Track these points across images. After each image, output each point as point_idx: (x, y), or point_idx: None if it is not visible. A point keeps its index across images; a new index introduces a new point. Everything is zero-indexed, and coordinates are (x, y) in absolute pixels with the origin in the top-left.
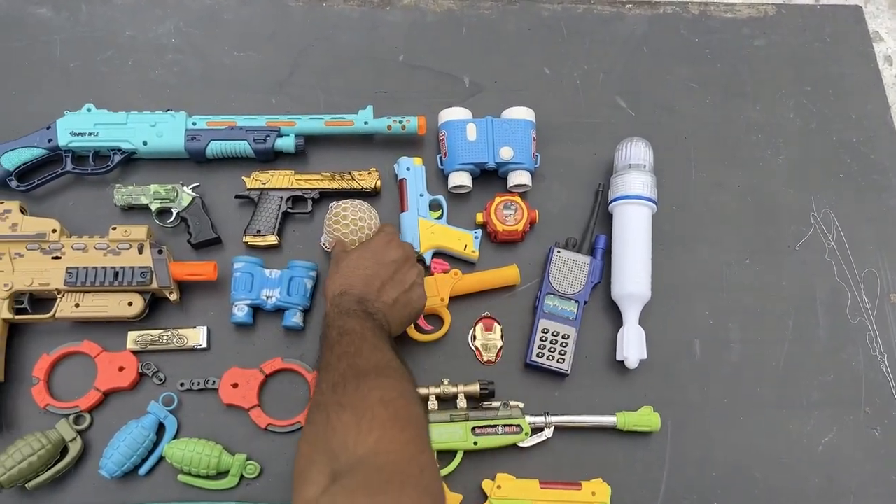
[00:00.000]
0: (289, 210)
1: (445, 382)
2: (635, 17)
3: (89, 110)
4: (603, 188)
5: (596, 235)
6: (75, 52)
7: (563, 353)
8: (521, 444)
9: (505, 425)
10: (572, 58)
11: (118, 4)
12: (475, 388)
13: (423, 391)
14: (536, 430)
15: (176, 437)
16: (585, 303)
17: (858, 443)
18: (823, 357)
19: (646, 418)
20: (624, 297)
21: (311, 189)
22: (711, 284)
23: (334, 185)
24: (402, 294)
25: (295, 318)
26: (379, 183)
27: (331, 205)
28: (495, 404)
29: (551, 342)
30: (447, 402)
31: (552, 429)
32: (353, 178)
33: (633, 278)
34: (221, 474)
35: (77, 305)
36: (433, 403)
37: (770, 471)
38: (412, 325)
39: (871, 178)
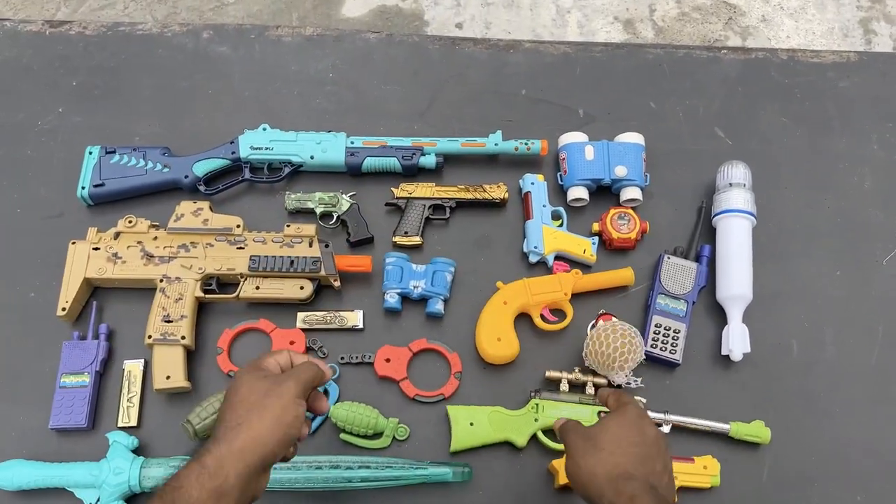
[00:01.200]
0: (430, 216)
1: (577, 370)
2: (730, 60)
3: (265, 129)
4: (705, 205)
5: (700, 245)
6: (249, 83)
7: (674, 345)
8: None
9: None
10: (675, 94)
11: (285, 44)
12: (603, 380)
13: (555, 374)
14: (656, 425)
15: (338, 402)
16: (693, 303)
17: None
18: None
19: (757, 430)
20: (729, 297)
21: (449, 199)
22: (806, 292)
23: (468, 195)
24: (670, 480)
25: (437, 306)
26: (507, 195)
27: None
28: None
29: (664, 335)
30: (577, 387)
31: (670, 426)
32: (485, 191)
33: (737, 281)
34: (377, 435)
35: (257, 288)
36: (564, 386)
37: (865, 458)
38: (539, 316)
39: None
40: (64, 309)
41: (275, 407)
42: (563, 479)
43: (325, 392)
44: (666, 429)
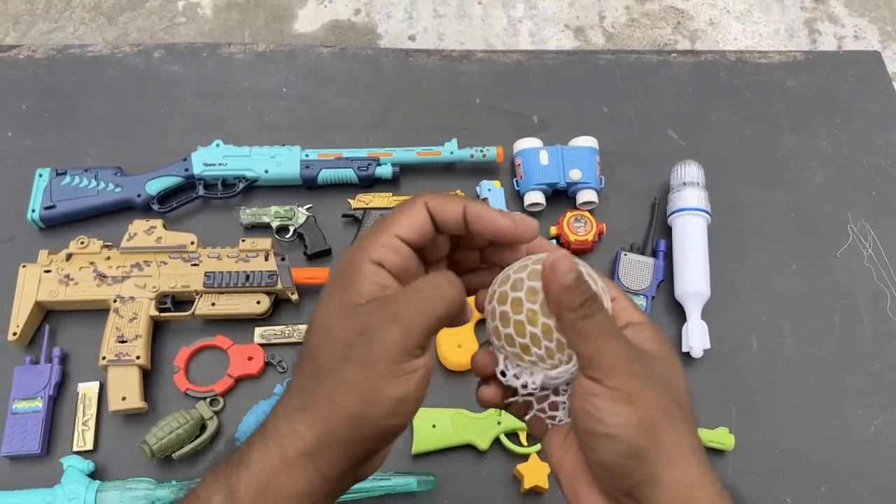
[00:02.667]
0: None
1: None
2: (680, 63)
3: (218, 145)
4: (658, 201)
5: (656, 241)
6: (202, 101)
7: None
8: None
9: None
10: (627, 98)
11: (238, 60)
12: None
13: None
14: None
15: None
16: (653, 297)
17: None
18: (869, 350)
19: (721, 437)
20: (687, 295)
21: None
22: (763, 287)
23: None
24: None
25: None
26: None
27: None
28: None
29: None
30: None
31: None
32: None
33: (694, 278)
34: None
35: (213, 304)
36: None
37: (826, 449)
38: None
39: None
40: (15, 333)
41: (357, 379)
42: (528, 483)
43: None
44: None
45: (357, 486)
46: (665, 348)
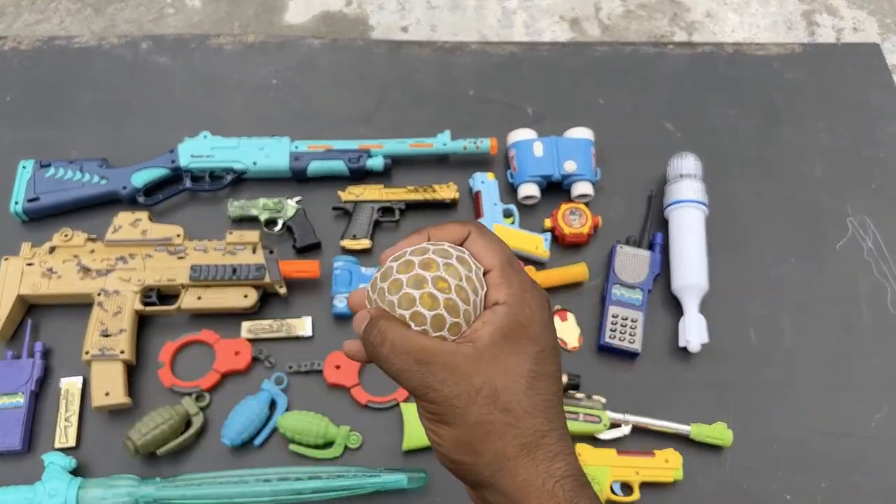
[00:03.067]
0: (379, 219)
1: None
2: (676, 56)
3: (205, 136)
4: (654, 194)
5: (653, 233)
6: (191, 93)
7: (632, 334)
8: (599, 436)
9: (585, 414)
10: (622, 90)
11: (227, 52)
12: (563, 378)
13: None
14: (614, 425)
15: (286, 412)
16: (649, 291)
17: None
18: (869, 344)
19: (719, 432)
20: (684, 288)
21: (398, 200)
22: (761, 280)
23: (418, 196)
24: None
25: None
26: (458, 195)
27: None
28: (578, 395)
29: (621, 325)
30: None
31: (630, 427)
32: (435, 191)
33: (692, 271)
34: (328, 444)
35: (199, 298)
36: None
37: (826, 444)
38: None
39: None
40: None
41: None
42: None
43: (273, 403)
44: (626, 430)
45: (346, 483)
46: (515, 333)
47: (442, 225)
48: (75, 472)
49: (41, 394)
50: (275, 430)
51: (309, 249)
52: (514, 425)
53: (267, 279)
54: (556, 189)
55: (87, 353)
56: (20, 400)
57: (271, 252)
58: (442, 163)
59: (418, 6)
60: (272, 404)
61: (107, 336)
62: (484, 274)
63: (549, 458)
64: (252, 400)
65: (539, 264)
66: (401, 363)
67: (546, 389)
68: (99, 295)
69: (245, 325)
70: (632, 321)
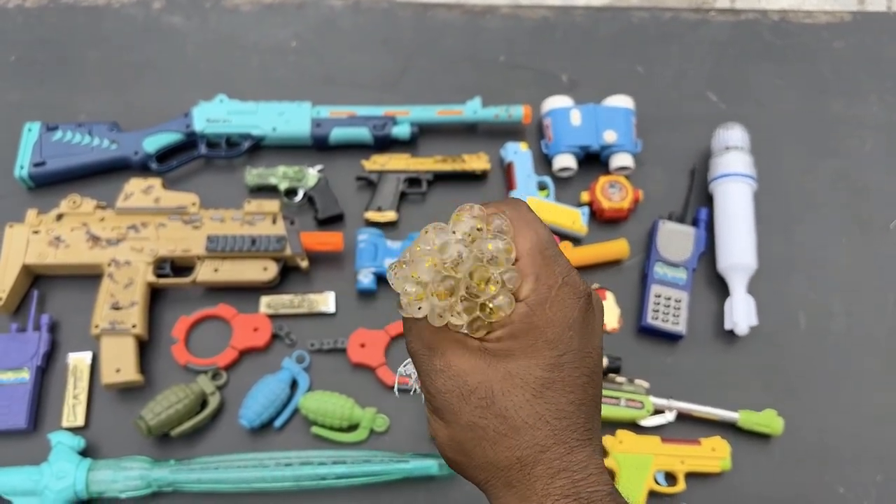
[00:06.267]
0: (405, 191)
1: None
2: (719, 23)
3: (222, 100)
4: (697, 168)
5: (697, 208)
6: (205, 55)
7: (676, 315)
8: (641, 423)
9: (628, 399)
10: (662, 58)
11: (244, 13)
12: (604, 361)
13: None
14: (658, 411)
15: (308, 392)
16: (694, 270)
17: None
18: None
19: (768, 420)
20: (731, 267)
21: (425, 171)
22: (811, 261)
23: (447, 167)
24: None
25: None
26: (489, 166)
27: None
28: (619, 379)
29: (664, 305)
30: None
31: (675, 413)
32: (465, 161)
33: (740, 249)
34: (352, 427)
35: (216, 270)
36: None
37: (881, 435)
38: None
39: None
40: (0, 299)
41: None
42: None
43: (294, 383)
44: (670, 416)
45: (372, 468)
46: (527, 335)
47: (486, 203)
48: (84, 453)
49: (48, 369)
50: (296, 411)
51: (331, 221)
52: (507, 436)
53: (288, 251)
54: (593, 161)
55: (96, 326)
56: (25, 376)
57: (292, 223)
58: (471, 132)
59: None
60: (293, 384)
61: (117, 309)
62: (515, 262)
63: (548, 474)
64: (272, 379)
65: (576, 240)
66: (415, 343)
67: (559, 399)
68: (109, 266)
69: (264, 299)
70: (675, 301)
